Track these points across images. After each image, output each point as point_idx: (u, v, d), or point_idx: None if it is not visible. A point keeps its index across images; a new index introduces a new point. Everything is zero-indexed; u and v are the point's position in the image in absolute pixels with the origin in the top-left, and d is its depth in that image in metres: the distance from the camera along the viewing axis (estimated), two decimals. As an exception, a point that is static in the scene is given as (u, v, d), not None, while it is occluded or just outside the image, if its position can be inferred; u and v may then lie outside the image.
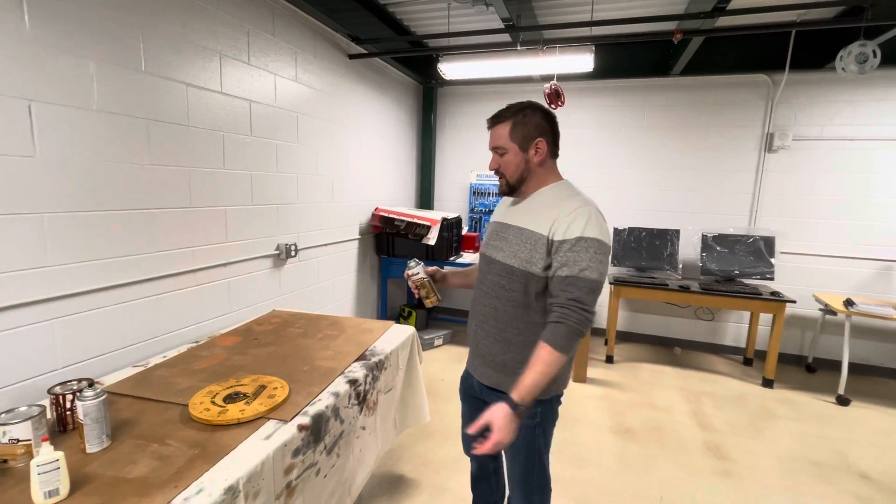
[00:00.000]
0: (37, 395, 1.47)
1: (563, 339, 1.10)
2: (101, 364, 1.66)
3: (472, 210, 4.29)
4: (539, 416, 1.28)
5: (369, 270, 3.67)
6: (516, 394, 1.09)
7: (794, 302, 3.11)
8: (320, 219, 2.93)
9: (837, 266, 3.45)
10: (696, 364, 3.62)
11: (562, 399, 1.34)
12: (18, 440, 1.03)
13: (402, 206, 3.96)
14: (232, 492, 1.01)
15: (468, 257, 3.78)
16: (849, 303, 2.98)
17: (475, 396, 1.43)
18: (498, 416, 1.08)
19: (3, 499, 0.94)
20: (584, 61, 2.88)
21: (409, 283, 1.50)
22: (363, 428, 1.64)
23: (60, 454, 0.94)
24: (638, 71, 3.62)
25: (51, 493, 0.92)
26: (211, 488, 0.99)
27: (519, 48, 2.76)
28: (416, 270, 1.50)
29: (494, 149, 1.28)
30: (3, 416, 1.06)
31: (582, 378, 3.19)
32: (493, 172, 1.30)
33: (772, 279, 3.38)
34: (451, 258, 3.63)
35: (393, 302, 4.01)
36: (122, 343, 1.74)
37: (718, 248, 3.53)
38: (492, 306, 1.28)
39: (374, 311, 3.82)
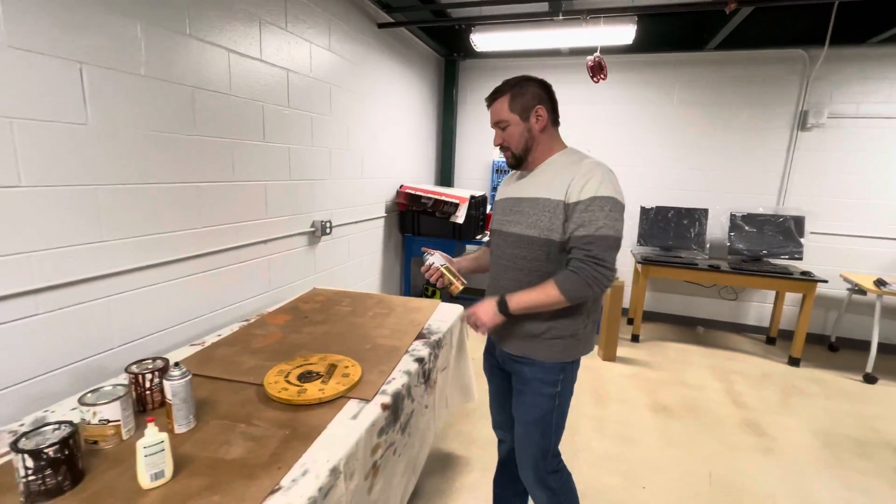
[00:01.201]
0: (98, 373, 1.42)
1: (572, 286, 1.13)
2: (156, 342, 1.62)
3: (494, 188, 4.21)
4: (560, 385, 1.28)
5: (394, 249, 3.62)
6: (510, 298, 1.20)
7: (825, 282, 3.11)
8: (351, 196, 2.86)
9: (866, 246, 3.45)
10: (719, 343, 3.64)
11: (577, 373, 1.34)
12: (108, 421, 0.99)
13: (423, 183, 3.87)
14: (335, 473, 0.98)
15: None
16: (880, 282, 2.99)
17: (501, 368, 1.43)
18: (483, 307, 1.24)
19: (103, 480, 0.90)
20: (625, 33, 2.78)
21: (428, 276, 1.40)
22: (426, 406, 1.62)
23: (165, 435, 0.89)
24: (671, 45, 3.51)
25: (157, 476, 0.88)
26: (316, 469, 0.96)
27: (559, 17, 2.65)
28: (432, 260, 1.39)
29: (496, 124, 1.28)
30: (89, 396, 1.01)
31: (612, 357, 3.19)
32: (498, 149, 1.32)
33: (800, 259, 3.37)
34: (478, 237, 3.58)
35: (415, 281, 3.97)
36: (174, 321, 1.69)
37: (747, 227, 3.50)
38: (514, 279, 1.27)
39: (397, 289, 3.78)
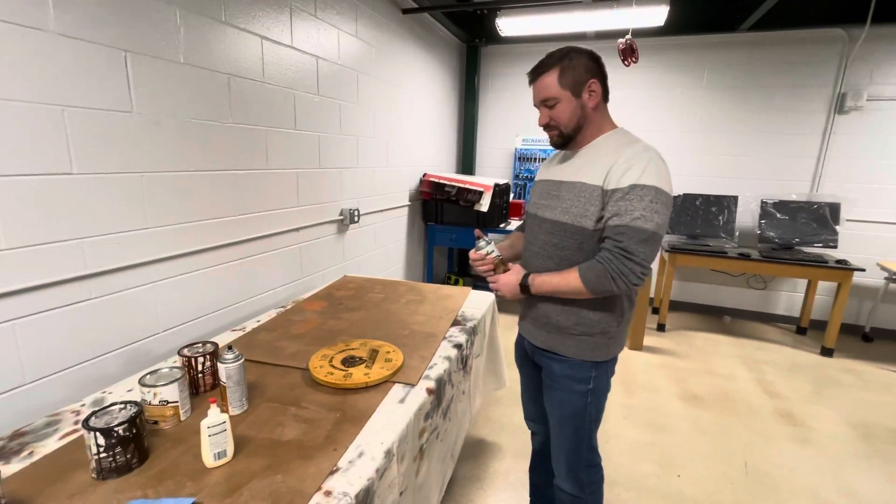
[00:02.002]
0: (146, 357, 1.46)
1: (593, 275, 1.07)
2: (198, 327, 1.65)
3: (516, 176, 4.17)
4: (593, 382, 1.22)
5: (417, 237, 3.62)
6: (532, 277, 1.19)
7: (863, 270, 3.02)
8: (376, 184, 2.86)
9: (904, 234, 3.33)
10: (747, 333, 3.58)
11: (615, 368, 1.28)
12: (168, 402, 1.01)
13: (445, 172, 3.85)
14: (389, 455, 0.99)
15: (516, 225, 3.70)
16: (921, 271, 2.89)
17: (531, 360, 1.38)
18: (509, 279, 1.23)
19: (168, 459, 0.92)
20: (656, 14, 2.70)
21: (480, 266, 1.29)
22: (463, 392, 1.62)
23: (226, 416, 0.91)
24: (703, 26, 3.40)
25: (219, 455, 0.90)
26: (371, 451, 0.97)
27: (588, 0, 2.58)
28: (490, 249, 1.30)
29: (543, 102, 1.16)
30: (148, 377, 1.03)
31: (639, 346, 3.16)
32: (542, 129, 1.20)
33: (835, 247, 3.27)
34: (501, 225, 3.55)
35: (437, 269, 3.98)
36: (214, 307, 1.72)
37: (779, 214, 3.41)
38: (544, 267, 1.20)
39: (420, 278, 3.79)
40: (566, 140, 1.19)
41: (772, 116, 3.50)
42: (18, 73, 1.09)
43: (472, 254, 1.30)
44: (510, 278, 1.23)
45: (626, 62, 2.57)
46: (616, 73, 3.60)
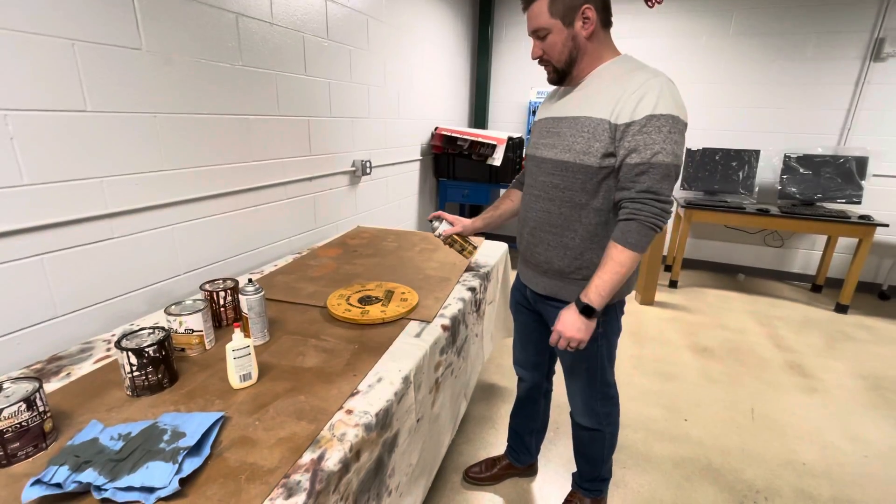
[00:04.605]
0: (168, 297, 1.50)
1: (635, 235, 0.98)
2: (217, 271, 1.68)
3: (530, 130, 4.07)
4: (602, 327, 1.18)
5: (428, 193, 3.59)
6: (585, 296, 1.03)
7: (886, 226, 2.95)
8: (388, 136, 2.81)
9: (933, 189, 3.22)
10: (761, 290, 3.55)
11: (624, 308, 1.24)
12: (193, 331, 1.05)
13: (458, 126, 3.77)
14: (406, 381, 1.02)
15: (529, 180, 3.65)
16: (948, 226, 2.81)
17: (529, 308, 1.35)
18: (567, 321, 1.05)
19: (196, 381, 0.97)
20: (685, -51, 2.51)
21: (442, 241, 1.52)
22: (476, 335, 1.66)
23: (250, 341, 0.95)
24: (733, -35, 3.18)
25: (245, 377, 0.94)
26: (390, 377, 1.01)
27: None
28: (440, 229, 1.47)
29: (534, 32, 1.06)
30: (173, 307, 1.07)
31: (650, 300, 3.17)
32: (537, 63, 1.10)
33: (859, 203, 3.18)
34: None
35: (449, 227, 3.97)
36: (232, 251, 1.75)
37: (802, 169, 3.30)
38: (545, 210, 1.14)
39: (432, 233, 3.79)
40: (561, 76, 1.10)
41: (802, 66, 3.33)
42: (26, 3, 1.06)
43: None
44: (568, 320, 1.05)
45: (650, 3, 2.44)
46: (640, 20, 3.44)
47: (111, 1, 1.23)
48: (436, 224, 1.48)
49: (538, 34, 1.06)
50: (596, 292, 1.02)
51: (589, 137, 1.03)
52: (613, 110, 0.99)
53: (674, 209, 3.53)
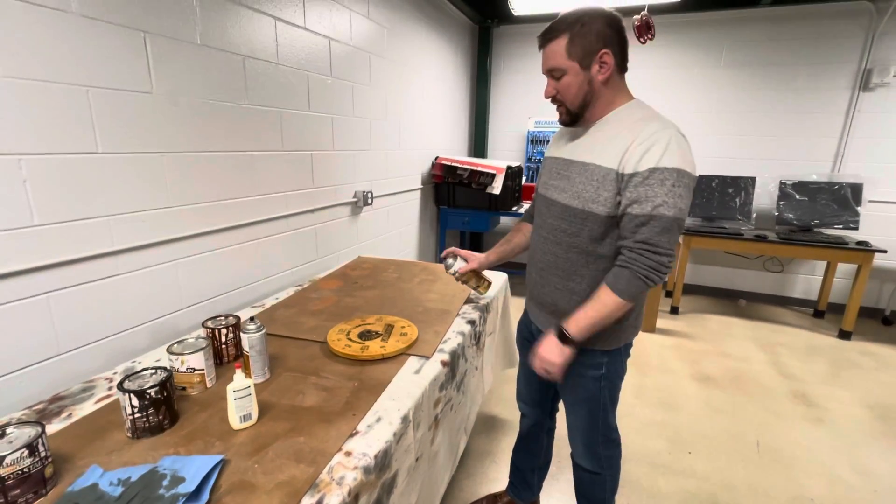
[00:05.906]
0: (171, 331, 1.51)
1: (624, 283, 1.00)
2: (219, 304, 1.70)
3: (529, 159, 4.14)
4: (605, 368, 1.17)
5: (429, 221, 3.64)
6: (567, 325, 1.05)
7: (884, 252, 2.96)
8: (389, 167, 2.87)
9: (929, 214, 3.24)
10: (763, 316, 3.54)
11: (630, 351, 1.23)
12: (195, 369, 1.06)
13: (457, 155, 3.85)
14: (405, 421, 1.02)
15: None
16: (946, 252, 2.82)
17: (534, 342, 1.33)
18: (545, 343, 1.09)
19: (196, 422, 0.97)
20: (674, -12, 2.63)
21: (456, 279, 1.54)
22: (476, 368, 1.65)
23: (251, 381, 0.96)
24: (722, 1, 3.30)
25: (245, 418, 0.95)
26: (389, 417, 1.01)
27: (605, -25, 2.52)
28: (455, 267, 1.50)
29: (549, 72, 1.06)
30: (175, 346, 1.08)
31: (651, 328, 3.16)
32: (550, 102, 1.11)
33: (856, 228, 3.20)
34: (514, 208, 3.55)
35: (450, 253, 4.00)
36: (234, 285, 1.77)
37: (798, 196, 3.34)
38: (552, 253, 1.15)
39: (433, 260, 3.81)
40: (574, 118, 1.10)
41: (794, 95, 3.41)
42: (45, 54, 1.12)
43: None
44: (546, 345, 1.09)
45: (641, 39, 2.52)
46: (633, 52, 3.55)
47: (126, 48, 1.29)
48: (450, 261, 1.47)
49: (553, 74, 1.06)
50: (575, 323, 1.05)
51: (597, 186, 1.03)
52: (621, 160, 1.00)
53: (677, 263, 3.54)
